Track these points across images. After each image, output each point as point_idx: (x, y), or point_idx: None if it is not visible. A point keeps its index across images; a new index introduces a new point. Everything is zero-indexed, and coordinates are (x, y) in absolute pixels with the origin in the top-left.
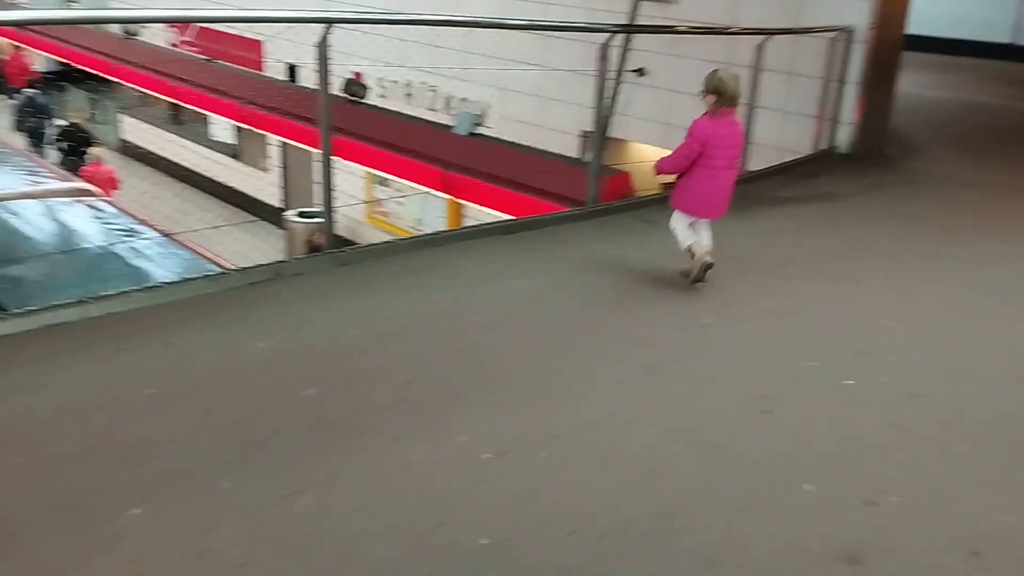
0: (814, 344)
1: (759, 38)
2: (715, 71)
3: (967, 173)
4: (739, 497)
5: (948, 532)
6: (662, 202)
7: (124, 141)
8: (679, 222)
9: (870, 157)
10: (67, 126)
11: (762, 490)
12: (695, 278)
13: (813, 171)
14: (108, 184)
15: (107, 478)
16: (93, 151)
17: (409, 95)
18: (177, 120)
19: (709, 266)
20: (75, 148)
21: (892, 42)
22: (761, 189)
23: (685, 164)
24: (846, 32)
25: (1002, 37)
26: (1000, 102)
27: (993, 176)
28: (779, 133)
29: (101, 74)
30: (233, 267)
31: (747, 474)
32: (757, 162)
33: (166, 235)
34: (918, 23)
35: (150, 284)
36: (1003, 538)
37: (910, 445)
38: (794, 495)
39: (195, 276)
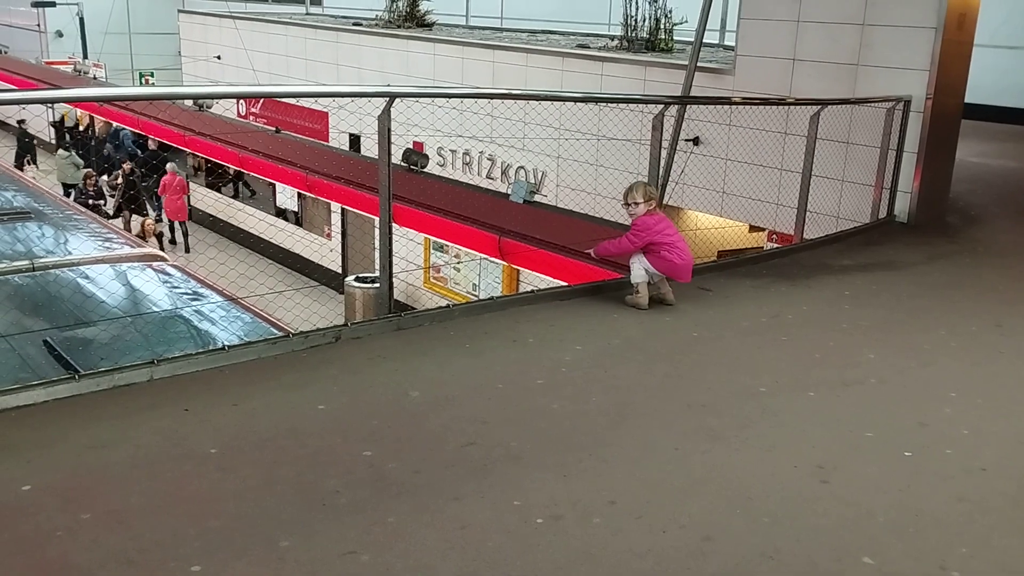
0: (876, 414)
1: (814, 108)
2: (637, 185)
3: None
4: (798, 567)
5: None
6: (717, 269)
7: (193, 208)
8: (640, 262)
9: (931, 226)
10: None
11: (821, 562)
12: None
13: (873, 240)
14: (181, 190)
15: (172, 533)
16: (169, 165)
17: (467, 164)
18: (243, 189)
19: (643, 308)
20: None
21: (950, 111)
22: (820, 257)
23: (629, 251)
24: (903, 102)
25: None
26: None
27: None
28: (837, 202)
29: (174, 144)
30: (294, 331)
31: (806, 544)
32: (815, 231)
33: (230, 299)
34: (979, 92)
35: (215, 347)
36: None
37: (975, 519)
38: (855, 568)
39: (258, 339)
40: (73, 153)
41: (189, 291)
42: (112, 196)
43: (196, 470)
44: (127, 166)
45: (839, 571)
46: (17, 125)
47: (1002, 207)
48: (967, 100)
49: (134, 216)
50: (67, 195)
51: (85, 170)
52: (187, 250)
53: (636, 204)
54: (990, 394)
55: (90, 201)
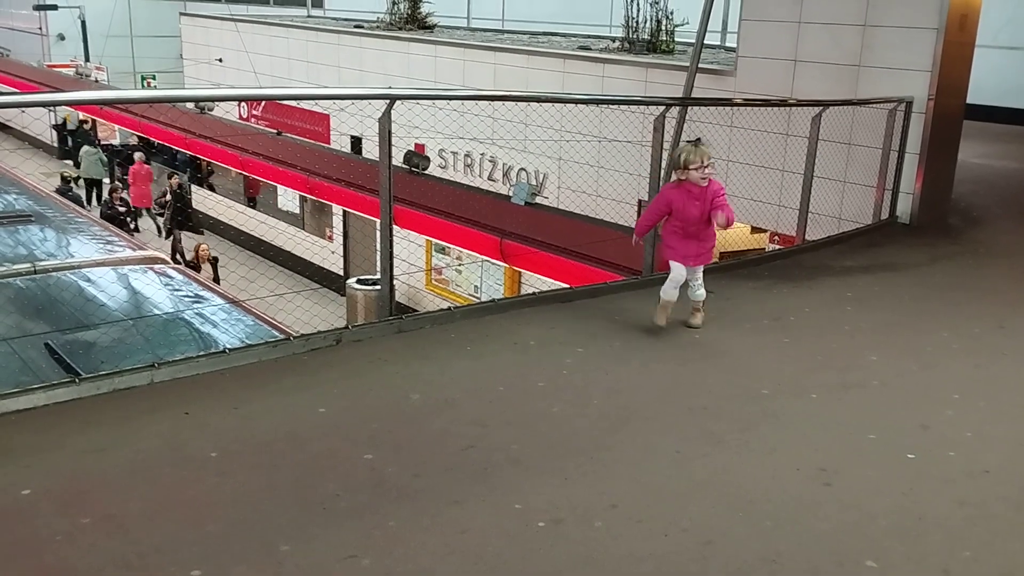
0: (878, 417)
1: (816, 109)
2: (702, 147)
3: None
4: (800, 571)
5: None
6: (719, 271)
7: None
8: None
9: (933, 227)
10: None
11: (824, 565)
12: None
13: (875, 241)
14: (148, 178)
15: (171, 538)
16: (137, 154)
17: (469, 166)
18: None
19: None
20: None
21: (952, 112)
22: (822, 258)
23: None
24: (905, 103)
25: None
26: None
27: None
28: (839, 203)
29: (175, 147)
30: (295, 333)
31: (808, 548)
32: (817, 232)
33: (232, 302)
34: (981, 94)
35: (215, 350)
36: None
37: (978, 522)
38: (857, 572)
39: (258, 342)
40: (100, 150)
41: (190, 294)
42: (160, 215)
43: (196, 474)
44: (175, 181)
45: (841, 573)
46: (79, 125)
47: (1005, 208)
48: (969, 101)
49: (185, 235)
50: (90, 190)
51: (109, 184)
52: (161, 234)
53: (711, 164)
54: (993, 396)
55: (127, 218)
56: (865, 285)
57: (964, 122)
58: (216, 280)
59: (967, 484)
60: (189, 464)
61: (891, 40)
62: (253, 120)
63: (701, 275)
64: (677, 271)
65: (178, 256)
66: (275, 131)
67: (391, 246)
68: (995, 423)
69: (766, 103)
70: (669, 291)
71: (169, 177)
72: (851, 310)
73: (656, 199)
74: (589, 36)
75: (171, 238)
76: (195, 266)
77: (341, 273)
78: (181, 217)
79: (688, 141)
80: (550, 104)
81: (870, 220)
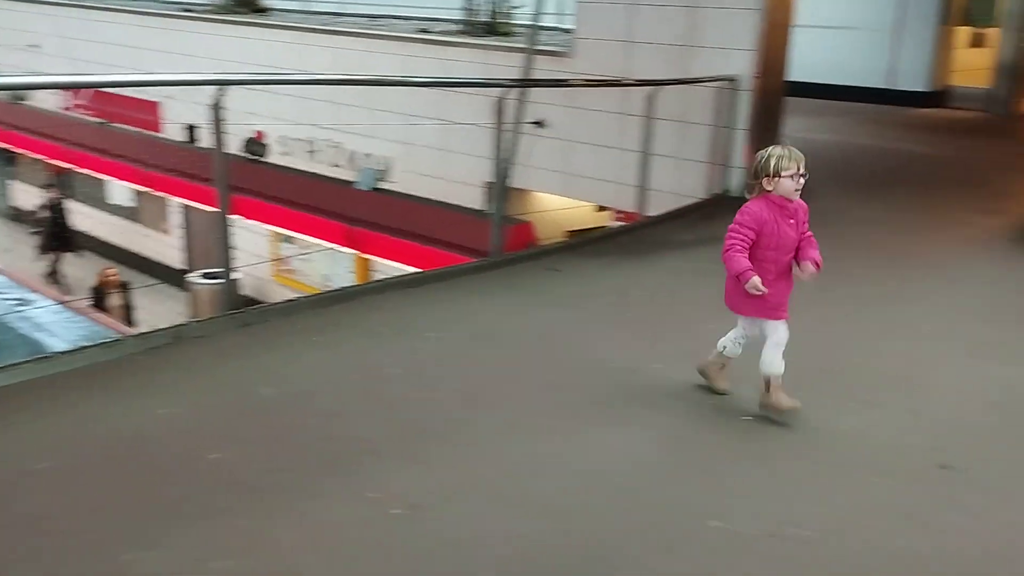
0: None
1: (649, 89)
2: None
3: (855, 211)
4: (654, 537)
5: (855, 565)
6: (564, 251)
7: (14, 208)
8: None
9: None
10: None
11: (675, 529)
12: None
13: (709, 214)
14: None
15: (1, 557)
16: None
17: (311, 152)
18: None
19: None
20: None
21: (775, 89)
22: (662, 233)
23: None
24: (732, 81)
25: (877, 82)
26: (879, 143)
27: (879, 213)
28: (675, 178)
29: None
30: (131, 332)
31: (662, 513)
32: (659, 207)
33: (62, 303)
34: (800, 70)
35: (41, 355)
36: None
37: (821, 478)
38: (704, 531)
39: (90, 344)
40: None
41: (14, 297)
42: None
43: (28, 488)
44: (52, 193)
45: (691, 535)
46: None
47: (827, 178)
48: (790, 78)
49: (67, 256)
50: None
51: None
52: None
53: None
54: (821, 354)
55: None
56: (703, 256)
57: (786, 98)
58: (128, 317)
59: (794, 439)
60: (20, 477)
61: (717, 21)
62: (76, 110)
63: (784, 333)
64: (743, 329)
65: (58, 280)
66: (100, 120)
67: (229, 237)
68: (827, 380)
69: (602, 83)
70: (732, 348)
71: (46, 189)
72: (691, 281)
73: (740, 218)
74: (429, 19)
75: (48, 259)
76: (100, 296)
77: (184, 268)
78: (58, 235)
79: (531, 122)
80: (393, 88)
81: (705, 194)
